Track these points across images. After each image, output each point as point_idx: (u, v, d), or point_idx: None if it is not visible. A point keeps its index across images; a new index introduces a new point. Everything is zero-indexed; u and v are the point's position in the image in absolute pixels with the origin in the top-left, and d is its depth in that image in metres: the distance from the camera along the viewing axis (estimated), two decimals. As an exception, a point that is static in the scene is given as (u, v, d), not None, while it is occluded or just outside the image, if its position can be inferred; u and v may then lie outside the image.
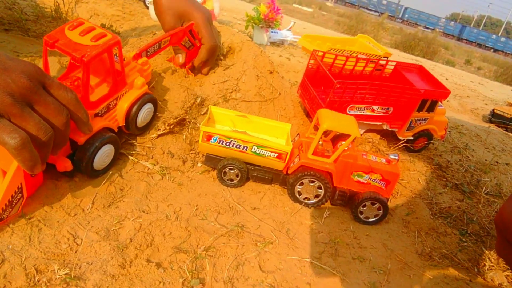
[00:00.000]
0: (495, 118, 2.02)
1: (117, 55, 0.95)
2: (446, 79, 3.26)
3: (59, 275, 0.69)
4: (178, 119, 1.09)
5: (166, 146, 1.08)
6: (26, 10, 1.62)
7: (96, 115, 0.89)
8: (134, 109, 0.97)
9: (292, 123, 1.33)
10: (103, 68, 0.91)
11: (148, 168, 1.01)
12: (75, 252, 0.76)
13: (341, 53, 1.57)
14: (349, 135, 0.98)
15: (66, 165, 0.83)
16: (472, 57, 16.97)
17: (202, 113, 1.17)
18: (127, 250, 0.78)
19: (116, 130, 0.94)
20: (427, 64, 4.33)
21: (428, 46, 10.44)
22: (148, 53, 1.07)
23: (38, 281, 0.68)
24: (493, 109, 2.04)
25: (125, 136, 1.04)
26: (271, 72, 1.41)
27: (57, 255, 0.74)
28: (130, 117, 0.97)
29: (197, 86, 1.23)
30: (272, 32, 2.56)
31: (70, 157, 0.86)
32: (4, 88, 0.65)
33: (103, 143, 0.88)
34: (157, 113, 1.09)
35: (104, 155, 0.90)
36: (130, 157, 1.01)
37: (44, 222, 0.79)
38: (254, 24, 2.49)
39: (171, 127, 1.08)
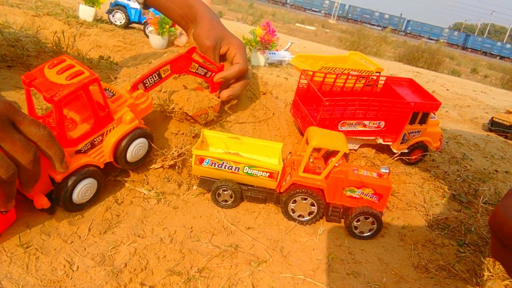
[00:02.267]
0: (494, 126, 2.02)
1: (110, 90, 0.98)
2: (447, 89, 3.27)
3: (55, 302, 0.71)
4: (174, 161, 1.10)
5: (162, 173, 1.11)
6: (28, 46, 1.69)
7: (78, 152, 0.89)
8: (123, 144, 0.96)
9: (286, 142, 1.35)
10: (87, 104, 0.90)
11: (144, 194, 1.04)
12: (71, 278, 0.78)
13: (333, 71, 1.60)
14: (338, 152, 1.00)
15: (42, 202, 0.83)
16: (478, 66, 16.95)
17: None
18: (122, 274, 0.80)
19: (101, 166, 0.94)
20: (430, 75, 4.34)
21: (432, 57, 10.46)
22: (147, 85, 1.04)
23: (34, 308, 0.70)
24: (492, 118, 2.04)
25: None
26: (264, 93, 1.44)
27: (53, 282, 0.76)
28: (118, 152, 0.96)
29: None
30: (269, 53, 2.61)
31: (51, 193, 0.87)
32: None
33: (79, 178, 0.88)
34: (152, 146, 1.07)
35: (84, 189, 0.90)
36: (126, 184, 1.04)
37: (41, 250, 0.82)
38: (251, 47, 2.54)
39: (167, 166, 1.10)
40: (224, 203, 1.05)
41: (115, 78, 1.48)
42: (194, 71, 1.13)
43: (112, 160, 0.97)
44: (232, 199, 1.05)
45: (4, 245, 0.81)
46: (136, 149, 1.00)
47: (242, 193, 1.06)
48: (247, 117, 1.32)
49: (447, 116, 2.24)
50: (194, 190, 1.09)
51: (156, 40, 2.41)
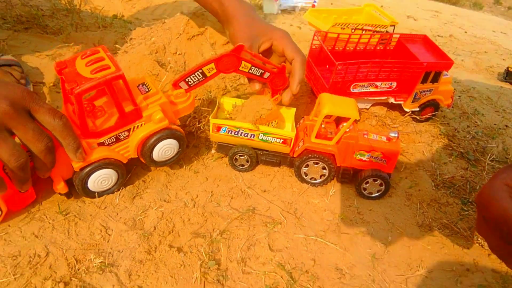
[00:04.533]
0: (509, 76, 1.99)
1: (146, 85, 0.97)
2: (465, 32, 3.17)
3: (95, 263, 0.82)
4: (194, 127, 1.14)
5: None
6: (41, 5, 1.70)
7: (101, 144, 0.90)
8: (149, 143, 0.95)
9: (299, 102, 1.39)
10: (122, 97, 0.89)
11: (166, 159, 1.11)
12: (108, 241, 0.88)
13: (346, 26, 1.59)
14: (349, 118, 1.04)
15: (59, 187, 0.88)
16: (502, -4, 15.99)
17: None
18: (152, 237, 0.90)
19: (124, 161, 0.95)
20: (449, 13, 4.17)
21: (453, -10, 9.92)
22: (190, 83, 1.00)
23: (78, 269, 0.80)
24: (507, 68, 2.01)
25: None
26: (277, 53, 1.45)
27: (92, 245, 0.86)
28: (144, 150, 0.96)
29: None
30: (282, -1, 2.56)
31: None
32: None
33: (94, 169, 0.90)
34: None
35: (100, 179, 0.92)
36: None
37: (79, 216, 0.91)
38: (264, -6, 2.49)
39: (187, 132, 1.14)
40: (241, 167, 1.12)
41: (130, 39, 1.50)
42: (246, 70, 1.03)
43: (138, 156, 0.98)
44: (248, 164, 1.11)
45: (45, 212, 0.91)
46: (163, 150, 0.98)
47: (258, 157, 1.12)
48: (261, 79, 1.35)
49: (462, 65, 2.21)
50: (213, 155, 1.16)
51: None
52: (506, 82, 2.02)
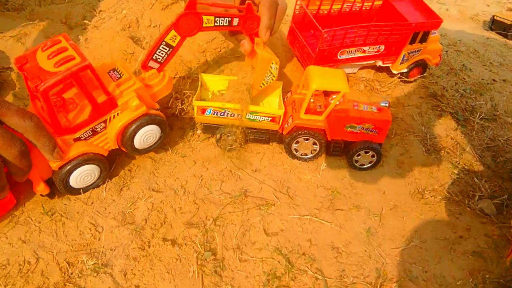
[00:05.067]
0: (495, 25, 1.95)
1: (118, 70, 0.89)
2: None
3: (89, 266, 0.80)
4: (176, 109, 1.09)
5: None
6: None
7: (78, 139, 0.85)
8: (129, 132, 0.90)
9: (285, 71, 1.34)
10: (92, 87, 0.84)
11: (151, 144, 1.07)
12: (99, 240, 0.85)
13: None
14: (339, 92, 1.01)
15: (39, 189, 0.83)
16: None
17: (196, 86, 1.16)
18: (144, 231, 0.87)
19: (105, 154, 0.90)
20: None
21: None
22: (159, 60, 0.93)
23: (72, 274, 0.78)
24: (493, 16, 1.96)
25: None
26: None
27: (83, 245, 0.84)
28: (124, 139, 0.91)
29: (185, 51, 1.22)
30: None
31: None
32: None
33: (75, 166, 0.85)
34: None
35: (82, 175, 0.88)
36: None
37: (66, 215, 0.88)
38: None
39: (169, 114, 1.09)
40: (229, 147, 1.08)
41: (99, 11, 1.40)
42: (212, 25, 0.93)
43: (119, 147, 0.93)
44: (236, 143, 1.08)
45: (30, 214, 0.87)
46: (145, 137, 0.93)
47: (246, 135, 1.09)
48: (244, 49, 1.29)
49: (447, 15, 2.16)
50: (199, 135, 1.12)
51: None
52: (492, 31, 1.98)
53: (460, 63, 1.60)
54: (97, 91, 0.83)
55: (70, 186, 0.88)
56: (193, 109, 1.09)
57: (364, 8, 1.36)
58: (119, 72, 0.90)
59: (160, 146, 1.05)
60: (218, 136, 1.06)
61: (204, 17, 0.91)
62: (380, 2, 1.36)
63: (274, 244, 0.89)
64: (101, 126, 0.87)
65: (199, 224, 0.91)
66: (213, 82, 1.12)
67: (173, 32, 0.89)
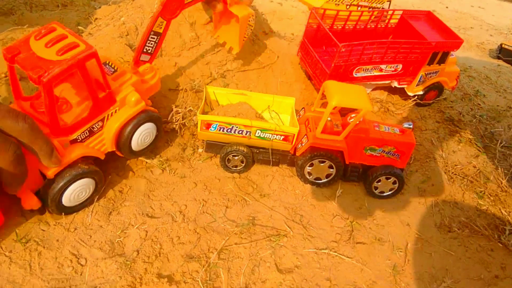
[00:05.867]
0: (503, 53, 1.90)
1: (111, 64, 0.81)
2: (446, 7, 3.08)
3: (67, 307, 0.65)
4: (177, 123, 0.99)
5: (163, 136, 1.00)
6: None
7: (74, 141, 0.75)
8: (127, 131, 0.81)
9: (294, 88, 1.23)
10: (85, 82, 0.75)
11: (146, 162, 0.94)
12: (81, 274, 0.71)
13: (341, 2, 1.43)
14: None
15: (31, 203, 0.72)
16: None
17: (200, 98, 1.05)
18: (135, 265, 0.74)
19: (102, 157, 0.81)
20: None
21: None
22: (150, 51, 0.87)
23: (46, 317, 0.64)
24: (501, 44, 1.92)
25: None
26: (266, 33, 1.29)
27: (61, 281, 0.70)
28: (122, 140, 0.82)
29: (188, 62, 1.11)
30: (260, -27, 2.36)
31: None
32: None
33: (76, 177, 0.74)
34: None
35: (77, 190, 0.77)
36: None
37: (43, 243, 0.74)
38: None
39: (169, 129, 0.99)
40: (234, 168, 0.96)
41: (95, 19, 1.29)
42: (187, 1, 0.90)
43: (115, 149, 0.83)
44: (243, 164, 0.96)
45: (0, 242, 0.73)
46: (142, 136, 0.85)
47: (254, 156, 0.97)
48: (250, 63, 1.18)
49: (453, 42, 2.11)
50: (201, 153, 1.00)
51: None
52: (500, 59, 1.93)
53: (473, 88, 1.52)
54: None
55: (62, 203, 0.76)
56: (196, 124, 0.98)
57: (379, 26, 1.27)
58: (113, 66, 0.82)
59: (157, 165, 0.93)
60: (223, 155, 0.94)
61: None
62: (396, 20, 1.28)
63: (289, 284, 0.76)
64: (98, 125, 0.78)
65: (200, 257, 0.77)
66: (219, 95, 1.01)
67: (160, 19, 0.85)
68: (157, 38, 0.87)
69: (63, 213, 0.78)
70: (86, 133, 0.76)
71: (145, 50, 0.86)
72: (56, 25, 0.70)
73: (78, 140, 0.75)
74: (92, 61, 0.68)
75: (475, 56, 1.98)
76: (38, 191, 0.74)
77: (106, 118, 0.78)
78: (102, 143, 0.80)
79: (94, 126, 0.76)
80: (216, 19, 1.04)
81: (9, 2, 1.40)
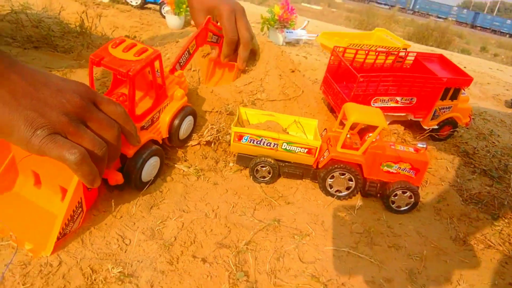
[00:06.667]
0: (518, 103, 2.01)
1: (158, 69, 0.97)
2: (464, 67, 3.23)
3: (114, 274, 0.74)
4: (211, 137, 1.12)
5: (199, 150, 1.12)
6: (52, 27, 1.69)
7: (142, 128, 0.91)
8: (176, 122, 0.99)
9: (316, 118, 1.35)
10: (144, 82, 0.94)
11: (184, 171, 1.05)
12: (125, 252, 0.80)
13: (360, 47, 1.59)
14: (376, 127, 1.00)
15: (117, 178, 0.85)
16: (488, 44, 16.64)
17: (233, 120, 1.18)
18: (173, 247, 0.82)
19: (160, 142, 0.97)
20: (444, 52, 4.28)
21: (442, 36, 10.29)
22: (181, 64, 1.08)
23: (95, 280, 0.72)
24: (515, 94, 2.03)
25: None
26: (293, 71, 1.44)
27: (109, 255, 0.78)
28: (173, 129, 0.99)
29: (223, 91, 1.26)
30: (287, 32, 2.59)
31: (119, 170, 0.88)
32: (60, 108, 0.68)
33: (150, 155, 0.90)
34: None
35: (150, 167, 0.93)
36: (166, 161, 1.06)
37: (93, 225, 0.84)
38: (269, 26, 2.53)
39: (204, 143, 1.12)
40: (262, 179, 1.06)
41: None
42: (209, 40, 1.18)
43: (168, 136, 1.00)
44: (270, 175, 1.06)
45: (58, 220, 0.83)
46: (186, 126, 1.03)
47: (280, 169, 1.07)
48: (278, 94, 1.32)
49: (469, 93, 2.22)
50: (232, 167, 1.11)
51: (173, 20, 2.41)
52: (515, 108, 2.02)
53: (488, 129, 1.61)
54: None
55: (141, 179, 0.93)
56: (228, 141, 1.10)
57: (395, 66, 1.41)
58: (157, 70, 0.97)
59: (193, 173, 1.04)
60: (252, 165, 1.05)
61: (209, 33, 1.16)
62: (411, 61, 1.42)
63: (311, 272, 0.82)
64: (156, 116, 0.95)
65: (230, 246, 0.85)
66: (250, 115, 1.14)
67: (194, 42, 1.11)
68: (188, 56, 1.10)
69: (139, 188, 0.94)
70: (149, 122, 0.94)
71: (180, 62, 1.07)
72: (123, 38, 0.88)
73: (144, 128, 0.92)
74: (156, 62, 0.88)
75: (490, 106, 2.08)
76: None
77: (161, 110, 0.95)
78: (159, 130, 0.97)
79: (154, 116, 0.94)
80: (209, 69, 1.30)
81: (68, 43, 1.63)
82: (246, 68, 1.34)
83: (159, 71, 0.96)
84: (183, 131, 1.04)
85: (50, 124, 0.66)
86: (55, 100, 0.69)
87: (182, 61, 1.08)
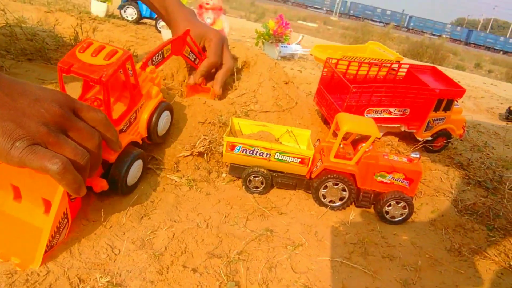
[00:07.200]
0: (512, 115, 2.02)
1: (130, 69, 0.96)
2: (459, 81, 3.26)
3: (101, 283, 0.72)
4: (203, 148, 1.11)
5: (191, 161, 1.11)
6: (47, 40, 1.70)
7: (121, 131, 0.90)
8: (154, 119, 0.98)
9: (310, 130, 1.35)
10: (117, 84, 0.92)
11: (176, 181, 1.04)
12: (114, 261, 0.78)
13: (354, 59, 1.60)
14: (369, 137, 1.00)
15: (102, 184, 0.84)
16: (482, 61, 16.85)
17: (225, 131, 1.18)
18: (163, 257, 0.81)
19: (140, 142, 0.96)
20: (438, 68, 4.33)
21: (436, 53, 10.42)
22: (154, 62, 1.06)
23: (82, 289, 0.71)
24: (509, 107, 2.04)
25: (151, 154, 1.07)
26: (286, 83, 1.45)
27: (97, 264, 0.77)
28: (152, 127, 0.99)
29: (216, 102, 1.26)
30: (282, 46, 2.62)
31: (103, 176, 0.87)
32: (38, 118, 0.67)
33: (134, 159, 0.90)
34: (185, 130, 1.12)
35: (135, 171, 0.93)
36: (158, 171, 1.05)
37: (82, 235, 0.83)
38: (264, 40, 2.55)
39: (196, 153, 1.11)
40: (255, 189, 1.05)
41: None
42: (186, 55, 1.19)
43: (147, 134, 1.00)
44: (263, 186, 1.05)
45: (46, 230, 0.82)
46: (164, 122, 1.04)
47: (273, 179, 1.06)
48: (271, 106, 1.33)
49: (464, 106, 2.23)
50: (224, 178, 1.10)
51: (168, 35, 2.42)
52: (509, 121, 2.03)
53: (482, 141, 1.61)
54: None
55: (127, 183, 0.92)
56: (220, 152, 1.10)
57: (388, 77, 1.42)
58: (128, 68, 0.96)
59: (185, 183, 1.03)
60: (245, 175, 1.04)
61: (186, 46, 1.17)
62: (404, 73, 1.43)
63: (303, 282, 0.81)
64: (133, 116, 0.94)
65: (222, 255, 0.84)
66: (243, 126, 1.14)
67: (169, 46, 1.09)
68: (161, 58, 1.08)
69: (128, 193, 0.95)
70: (127, 124, 0.92)
71: (152, 59, 1.05)
72: (89, 40, 0.85)
73: (123, 130, 0.91)
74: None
75: (484, 118, 2.09)
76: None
77: (138, 110, 0.95)
78: (138, 131, 0.96)
79: (131, 117, 0.93)
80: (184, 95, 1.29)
81: (61, 56, 1.62)
82: (239, 79, 1.34)
83: (131, 69, 0.94)
84: (161, 127, 1.03)
85: (29, 135, 0.65)
86: (33, 110, 0.67)
87: (155, 60, 1.07)
